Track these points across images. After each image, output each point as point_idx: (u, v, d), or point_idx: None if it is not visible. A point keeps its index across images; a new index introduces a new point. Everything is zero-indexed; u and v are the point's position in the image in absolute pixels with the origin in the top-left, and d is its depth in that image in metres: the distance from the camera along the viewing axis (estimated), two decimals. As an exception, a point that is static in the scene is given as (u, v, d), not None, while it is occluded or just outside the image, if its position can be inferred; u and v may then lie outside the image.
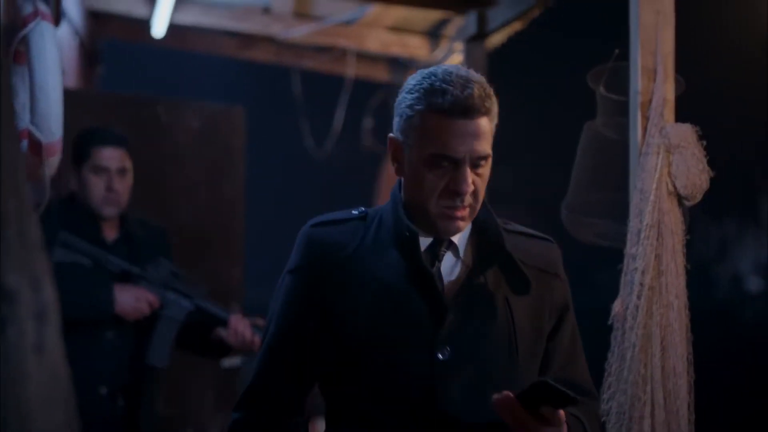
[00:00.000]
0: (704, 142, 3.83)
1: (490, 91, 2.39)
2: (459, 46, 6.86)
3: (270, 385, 2.50)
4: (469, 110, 2.33)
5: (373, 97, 8.30)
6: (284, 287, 2.55)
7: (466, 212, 2.42)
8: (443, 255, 2.48)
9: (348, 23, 7.32)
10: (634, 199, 3.92)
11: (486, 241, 2.50)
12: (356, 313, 2.39)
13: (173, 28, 7.35)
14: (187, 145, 6.12)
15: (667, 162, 3.90)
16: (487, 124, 2.37)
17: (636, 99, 4.02)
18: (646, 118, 3.95)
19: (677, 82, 3.94)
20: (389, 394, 2.34)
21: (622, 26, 4.19)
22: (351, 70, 7.63)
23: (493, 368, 2.39)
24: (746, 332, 7.83)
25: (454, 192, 2.37)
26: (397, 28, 7.48)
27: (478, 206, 2.46)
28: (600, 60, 4.40)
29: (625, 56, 4.16)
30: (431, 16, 7.12)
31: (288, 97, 7.89)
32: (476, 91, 2.34)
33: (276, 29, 7.23)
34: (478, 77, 2.39)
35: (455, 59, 7.06)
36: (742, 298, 8.05)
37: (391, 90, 8.12)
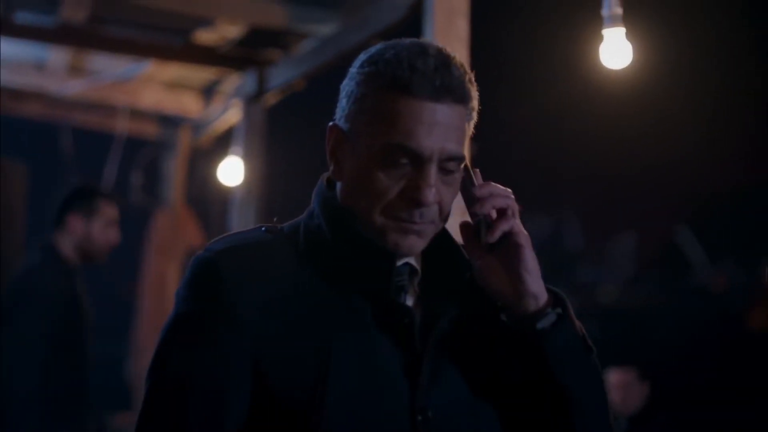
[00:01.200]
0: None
1: (472, 76, 1.81)
2: (237, 103, 6.96)
3: None
4: (442, 91, 1.74)
5: (141, 153, 8.25)
6: (180, 344, 1.74)
7: (425, 227, 1.77)
8: (405, 282, 1.82)
9: (123, 80, 7.28)
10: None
11: (442, 261, 1.86)
12: (305, 372, 1.72)
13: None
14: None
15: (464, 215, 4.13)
16: (463, 117, 1.78)
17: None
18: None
19: (471, 145, 4.20)
20: None
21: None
22: (123, 126, 7.57)
23: (481, 416, 1.84)
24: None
25: (412, 200, 1.74)
26: (173, 85, 7.50)
27: (442, 225, 1.82)
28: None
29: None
30: (207, 73, 7.19)
31: (59, 152, 7.74)
32: (455, 70, 1.76)
33: (49, 84, 7.11)
34: (458, 58, 1.81)
35: (232, 117, 7.17)
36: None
37: (160, 147, 8.14)
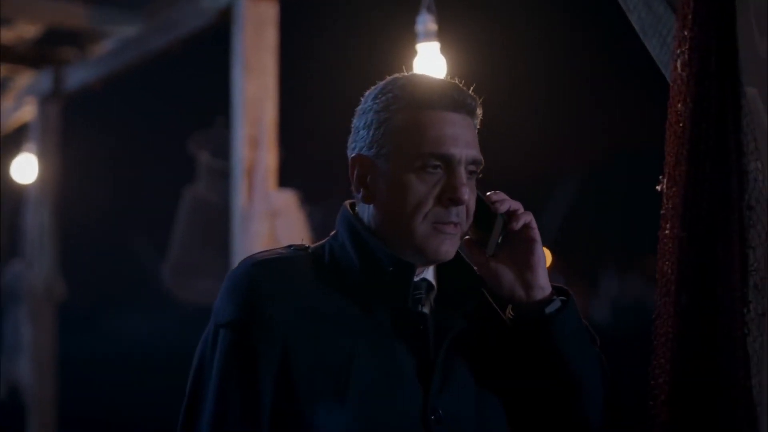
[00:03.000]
0: (307, 208, 4.15)
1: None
2: (31, 100, 6.77)
3: None
4: (459, 104, 1.95)
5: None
6: (221, 350, 1.90)
7: (458, 229, 1.95)
8: (422, 296, 1.98)
9: None
10: (238, 261, 4.15)
11: (454, 276, 2.02)
12: (329, 375, 1.87)
13: None
14: None
15: (270, 226, 4.16)
16: (474, 127, 1.99)
17: (239, 166, 4.26)
18: (250, 185, 4.20)
19: (279, 151, 4.23)
20: None
21: (219, 95, 4.42)
22: None
23: (492, 423, 1.99)
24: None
25: (450, 200, 1.91)
26: (-38, 81, 7.23)
27: (467, 228, 1.98)
28: (193, 125, 4.59)
29: (226, 124, 4.39)
30: (2, 69, 6.96)
31: None
32: (462, 88, 1.98)
33: None
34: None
35: (27, 113, 6.97)
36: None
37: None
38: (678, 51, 1.96)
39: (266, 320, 1.87)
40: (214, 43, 4.55)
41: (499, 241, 1.99)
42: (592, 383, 1.99)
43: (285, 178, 4.23)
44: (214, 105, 4.46)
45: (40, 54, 6.39)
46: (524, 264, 1.99)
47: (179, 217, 4.56)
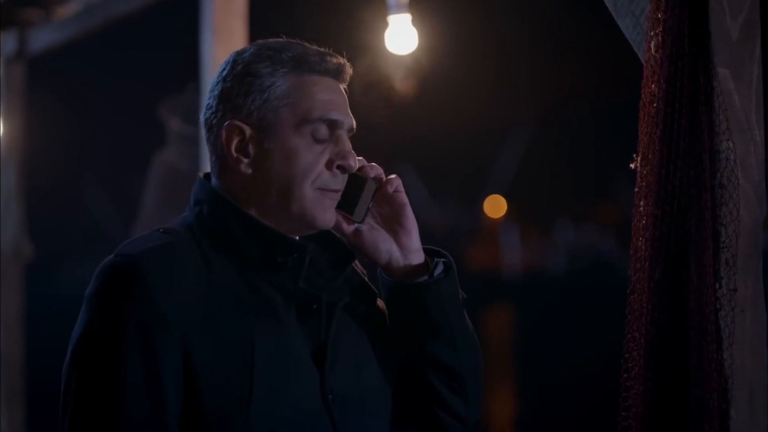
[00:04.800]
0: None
1: None
2: (-7, 61, 6.73)
3: None
4: (339, 71, 1.95)
5: None
6: (114, 354, 1.75)
7: (338, 198, 1.94)
8: (305, 266, 1.90)
9: None
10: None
11: (319, 241, 1.97)
12: (231, 365, 1.80)
13: None
14: None
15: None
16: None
17: (210, 132, 4.26)
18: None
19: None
20: None
21: (189, 61, 4.41)
22: None
23: (378, 395, 1.99)
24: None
25: (341, 168, 1.91)
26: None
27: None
28: (163, 90, 4.58)
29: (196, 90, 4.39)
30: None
31: None
32: (340, 56, 1.97)
33: None
34: None
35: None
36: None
37: None
38: (651, 33, 2.00)
39: (159, 311, 1.75)
40: (184, 8, 4.53)
41: (369, 206, 1.99)
42: (468, 344, 2.03)
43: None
44: (185, 70, 4.45)
45: (4, 16, 6.33)
46: (400, 229, 1.99)
47: (149, 182, 4.57)
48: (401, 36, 3.55)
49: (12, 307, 6.88)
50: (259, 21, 4.18)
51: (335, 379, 1.90)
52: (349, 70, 1.97)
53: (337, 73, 1.94)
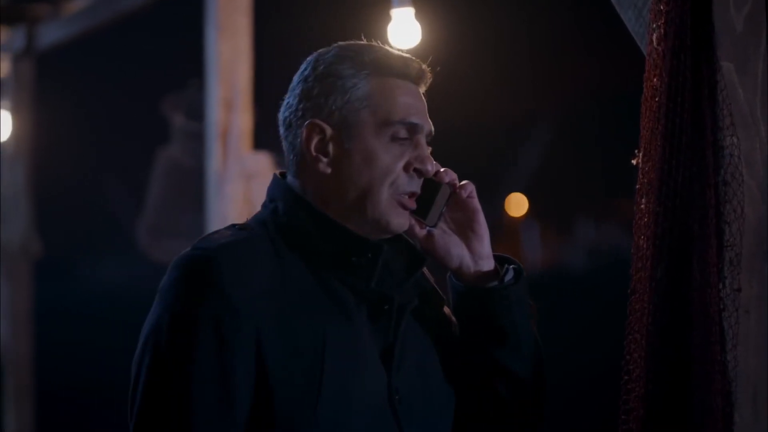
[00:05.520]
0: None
1: None
2: (5, 57, 6.72)
3: None
4: (423, 76, 1.97)
5: None
6: (188, 346, 1.76)
7: (413, 203, 1.94)
8: (379, 267, 1.90)
9: None
10: (214, 223, 4.14)
11: (397, 245, 1.97)
12: (302, 360, 1.80)
13: None
14: None
15: (245, 188, 4.15)
16: None
17: (214, 129, 4.24)
18: (224, 148, 4.18)
19: (254, 113, 4.21)
20: None
21: (193, 57, 4.38)
22: None
23: (442, 398, 1.98)
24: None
25: (418, 172, 1.91)
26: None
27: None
28: (167, 86, 4.56)
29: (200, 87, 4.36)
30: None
31: None
32: (421, 62, 1.97)
33: None
34: None
35: (2, 70, 6.91)
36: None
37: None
38: (654, 25, 1.95)
39: (236, 310, 1.76)
40: (187, 4, 4.50)
41: (443, 211, 1.98)
42: (533, 352, 2.02)
43: (260, 141, 4.21)
44: (189, 66, 4.42)
45: (13, 11, 6.33)
46: (472, 234, 1.99)
47: (153, 178, 4.55)
48: (404, 30, 3.50)
49: (20, 304, 6.87)
50: (262, 17, 4.15)
51: (401, 380, 1.90)
52: (429, 76, 1.98)
53: (418, 78, 1.95)
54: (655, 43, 1.94)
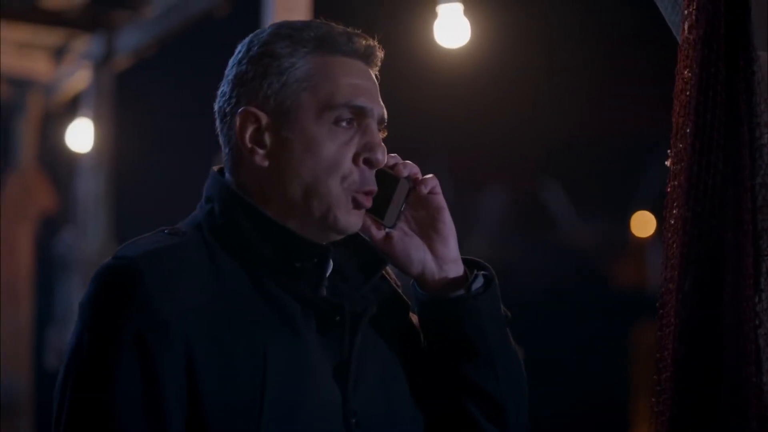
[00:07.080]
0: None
1: None
2: (87, 65, 6.76)
3: None
4: (372, 54, 1.74)
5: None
6: (111, 366, 1.58)
7: (370, 200, 1.72)
8: (326, 275, 1.71)
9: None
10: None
11: (352, 246, 1.78)
12: (240, 378, 1.61)
13: None
14: None
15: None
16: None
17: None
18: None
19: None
20: None
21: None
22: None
23: (406, 419, 1.77)
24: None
25: (368, 162, 1.69)
26: (23, 46, 7.24)
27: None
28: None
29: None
30: (57, 35, 6.95)
31: None
32: (370, 38, 1.76)
33: None
34: None
35: (82, 77, 6.96)
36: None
37: (11, 109, 7.93)
38: (686, 12, 1.78)
39: (160, 318, 1.57)
40: (254, 12, 4.44)
41: (402, 209, 1.76)
42: (510, 365, 1.79)
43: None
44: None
45: (90, 17, 6.35)
46: (435, 235, 1.77)
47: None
48: (452, 28, 3.32)
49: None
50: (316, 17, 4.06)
51: (359, 401, 1.68)
52: (380, 53, 1.75)
53: (366, 56, 1.73)
54: (686, 32, 1.77)
